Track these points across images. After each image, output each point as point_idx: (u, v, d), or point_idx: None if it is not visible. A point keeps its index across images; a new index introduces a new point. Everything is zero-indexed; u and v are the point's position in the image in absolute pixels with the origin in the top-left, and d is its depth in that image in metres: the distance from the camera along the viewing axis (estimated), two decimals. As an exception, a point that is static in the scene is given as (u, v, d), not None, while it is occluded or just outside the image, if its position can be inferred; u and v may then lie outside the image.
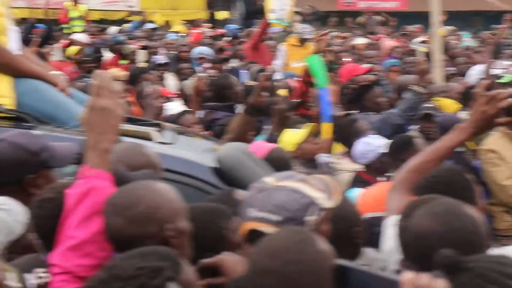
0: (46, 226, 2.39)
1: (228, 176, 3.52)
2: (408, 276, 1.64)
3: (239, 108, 6.14)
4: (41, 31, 12.61)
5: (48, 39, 12.40)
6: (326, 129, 5.41)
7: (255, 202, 2.36)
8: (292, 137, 5.02)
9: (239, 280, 2.09)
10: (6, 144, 2.92)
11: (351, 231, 2.82)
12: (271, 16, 10.03)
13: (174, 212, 2.22)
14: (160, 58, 9.99)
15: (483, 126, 2.90)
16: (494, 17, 18.17)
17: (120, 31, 14.38)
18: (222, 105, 6.25)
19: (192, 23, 18.19)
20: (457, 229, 2.19)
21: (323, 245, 1.97)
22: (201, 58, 10.07)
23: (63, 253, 2.19)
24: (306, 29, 10.32)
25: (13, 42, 3.82)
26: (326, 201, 2.36)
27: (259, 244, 1.99)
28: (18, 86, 3.73)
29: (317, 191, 2.36)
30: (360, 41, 12.58)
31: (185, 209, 2.28)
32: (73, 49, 10.46)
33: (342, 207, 2.71)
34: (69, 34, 13.34)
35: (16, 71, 3.75)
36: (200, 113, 6.21)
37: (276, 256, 1.88)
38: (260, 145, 4.47)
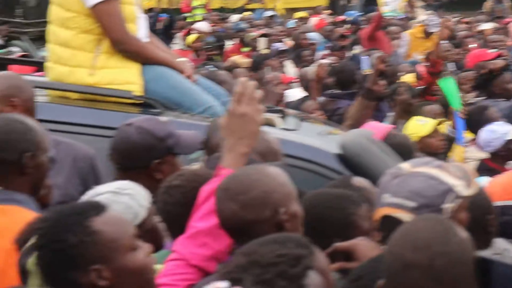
0: (172, 213, 2.46)
1: (352, 163, 3.51)
2: None
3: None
4: (165, 20, 13.21)
5: (170, 28, 13.00)
6: (459, 152, 5.39)
7: (390, 188, 2.34)
8: (417, 130, 4.98)
9: (372, 268, 2.02)
10: (134, 129, 2.98)
11: (484, 219, 2.70)
12: (384, 10, 9.86)
13: (287, 196, 2.22)
14: (280, 46, 10.10)
15: None
16: None
17: (242, 19, 14.71)
18: (344, 93, 6.26)
19: (312, 10, 18.24)
20: None
21: (465, 234, 1.88)
22: (311, 44, 10.16)
23: (182, 241, 2.27)
24: (433, 21, 9.94)
25: (141, 30, 3.92)
26: (464, 189, 2.31)
27: (398, 234, 1.89)
28: (146, 73, 3.81)
29: (455, 178, 2.31)
30: (487, 26, 12.13)
31: (296, 193, 2.28)
32: (192, 37, 10.73)
33: (475, 194, 2.63)
34: (192, 23, 13.71)
35: (144, 58, 3.82)
36: (320, 100, 6.23)
37: (422, 249, 1.80)
38: (376, 126, 4.44)
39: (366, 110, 5.20)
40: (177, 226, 2.47)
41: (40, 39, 6.86)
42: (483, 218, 2.73)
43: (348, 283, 2.03)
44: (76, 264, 1.82)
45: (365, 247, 2.30)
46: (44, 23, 5.52)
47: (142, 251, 1.94)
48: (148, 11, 13.86)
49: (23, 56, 7.13)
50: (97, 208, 1.92)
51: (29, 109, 3.05)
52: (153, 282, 2.01)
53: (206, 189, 2.32)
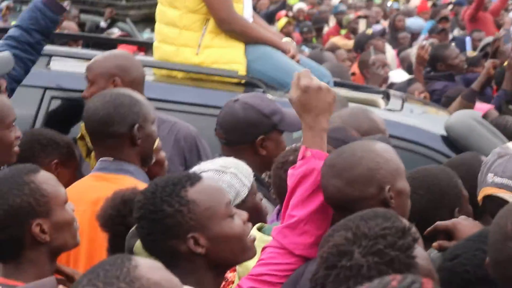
0: (283, 189, 2.43)
1: (459, 144, 3.45)
2: None
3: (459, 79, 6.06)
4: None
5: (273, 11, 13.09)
6: None
7: (494, 168, 2.31)
8: None
9: (469, 247, 1.96)
10: (240, 105, 3.01)
11: None
12: None
13: (394, 172, 2.19)
14: (378, 27, 9.95)
15: None
16: None
17: (341, 1, 14.55)
18: (441, 75, 6.15)
19: None
20: None
21: None
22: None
23: (281, 230, 2.24)
24: None
25: (247, 10, 3.92)
26: None
27: (504, 209, 1.83)
28: (250, 53, 3.85)
29: None
30: None
31: (404, 169, 2.24)
32: (282, 22, 10.55)
33: None
34: (291, 7, 13.66)
35: (249, 38, 3.85)
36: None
37: None
38: (482, 108, 4.42)
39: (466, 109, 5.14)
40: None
41: (142, 22, 6.98)
42: None
43: (444, 261, 1.99)
44: (174, 233, 1.87)
45: (465, 226, 2.26)
46: (146, 6, 5.70)
47: (238, 218, 1.96)
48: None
49: (123, 36, 7.46)
50: (192, 178, 1.95)
51: (134, 88, 3.09)
52: (250, 249, 2.01)
53: (295, 174, 2.27)
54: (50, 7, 3.43)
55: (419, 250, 1.63)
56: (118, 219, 2.23)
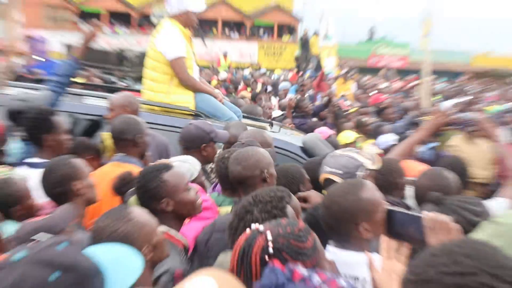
0: (222, 172, 2.42)
1: (309, 152, 3.53)
2: (429, 214, 1.42)
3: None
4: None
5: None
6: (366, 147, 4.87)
7: (328, 163, 2.40)
8: (345, 139, 4.82)
9: (315, 208, 2.06)
10: (193, 126, 3.03)
11: (395, 181, 2.64)
12: (325, 70, 9.90)
13: (268, 163, 2.23)
14: (268, 87, 10.64)
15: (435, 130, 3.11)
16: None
17: (249, 72, 14.84)
18: (299, 115, 6.42)
19: (286, 69, 18.47)
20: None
21: (370, 191, 1.78)
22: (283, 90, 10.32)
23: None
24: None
25: (195, 74, 4.06)
26: (370, 165, 2.39)
27: (331, 187, 1.91)
28: (197, 97, 3.99)
29: (365, 158, 2.39)
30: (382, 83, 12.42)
31: (273, 162, 2.26)
32: (214, 82, 10.41)
33: (388, 164, 2.67)
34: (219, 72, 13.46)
35: (196, 89, 4.02)
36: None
37: (339, 195, 1.79)
38: (323, 131, 4.59)
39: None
40: (224, 180, 2.45)
41: (137, 79, 6.78)
42: (394, 180, 2.64)
43: (306, 215, 2.05)
44: (155, 198, 1.93)
45: (314, 195, 2.34)
46: (139, 71, 5.83)
47: (193, 191, 2.02)
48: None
49: (126, 87, 6.88)
50: (167, 167, 2.00)
51: (135, 114, 3.08)
52: (198, 208, 2.02)
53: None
54: (76, 62, 3.40)
55: (289, 209, 1.66)
56: (121, 187, 2.29)
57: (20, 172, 2.54)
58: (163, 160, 2.27)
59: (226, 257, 1.36)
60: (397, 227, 1.48)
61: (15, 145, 2.99)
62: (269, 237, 1.21)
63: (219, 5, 24.88)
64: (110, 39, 16.99)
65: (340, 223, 1.69)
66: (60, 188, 2.17)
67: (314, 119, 6.31)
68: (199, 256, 2.00)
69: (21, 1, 5.17)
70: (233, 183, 2.24)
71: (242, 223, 1.56)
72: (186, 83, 3.92)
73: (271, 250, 1.19)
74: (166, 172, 1.93)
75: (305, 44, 15.83)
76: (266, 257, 1.18)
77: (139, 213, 1.57)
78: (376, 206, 1.69)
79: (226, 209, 2.33)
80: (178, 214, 1.94)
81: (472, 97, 8.39)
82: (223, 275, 1.07)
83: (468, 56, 27.83)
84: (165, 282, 1.65)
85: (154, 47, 3.91)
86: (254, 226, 1.28)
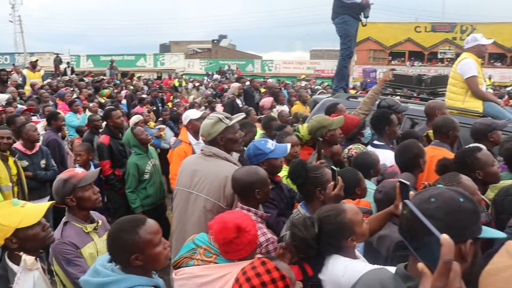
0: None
1: None
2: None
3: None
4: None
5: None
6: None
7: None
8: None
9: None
10: (478, 123, 3.48)
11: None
12: None
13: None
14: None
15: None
16: None
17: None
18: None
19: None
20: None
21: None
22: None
23: None
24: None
25: (483, 87, 4.61)
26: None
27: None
28: (484, 104, 4.72)
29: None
30: None
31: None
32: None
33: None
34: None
35: (484, 98, 4.69)
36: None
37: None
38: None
39: None
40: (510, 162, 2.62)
41: (430, 94, 6.95)
42: None
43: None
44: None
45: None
46: (432, 88, 6.53)
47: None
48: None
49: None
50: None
51: (445, 114, 3.46)
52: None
53: None
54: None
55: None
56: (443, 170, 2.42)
57: (369, 149, 3.44)
58: None
59: None
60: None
61: (367, 131, 4.05)
62: None
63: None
64: (409, 69, 22.57)
65: None
66: (411, 161, 2.89)
67: None
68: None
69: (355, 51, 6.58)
70: None
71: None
72: (477, 94, 4.71)
73: None
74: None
75: None
76: None
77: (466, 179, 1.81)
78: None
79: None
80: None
81: None
82: None
83: None
84: None
85: (455, 70, 4.78)
86: None
